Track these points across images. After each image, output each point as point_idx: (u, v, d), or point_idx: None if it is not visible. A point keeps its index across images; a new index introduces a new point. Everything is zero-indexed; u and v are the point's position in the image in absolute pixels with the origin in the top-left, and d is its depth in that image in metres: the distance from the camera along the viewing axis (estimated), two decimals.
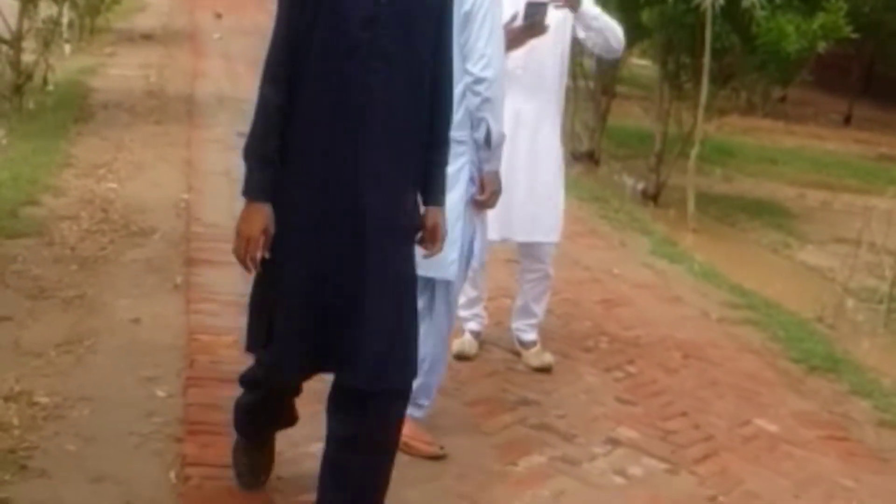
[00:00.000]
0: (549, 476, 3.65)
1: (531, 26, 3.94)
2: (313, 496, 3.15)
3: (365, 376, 2.71)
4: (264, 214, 2.70)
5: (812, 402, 4.77)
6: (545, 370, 4.57)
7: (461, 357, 4.51)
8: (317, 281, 2.70)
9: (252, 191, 2.71)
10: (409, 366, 2.80)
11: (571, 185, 9.47)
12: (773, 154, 12.79)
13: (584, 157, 10.52)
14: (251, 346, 2.89)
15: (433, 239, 2.90)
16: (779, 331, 5.72)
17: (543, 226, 4.48)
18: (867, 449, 4.36)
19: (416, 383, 3.02)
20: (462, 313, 4.45)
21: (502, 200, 3.67)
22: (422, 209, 2.89)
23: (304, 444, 3.55)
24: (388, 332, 2.72)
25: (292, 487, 3.27)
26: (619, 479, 3.71)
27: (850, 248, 7.15)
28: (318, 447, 3.51)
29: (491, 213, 3.75)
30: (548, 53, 4.32)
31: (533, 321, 4.72)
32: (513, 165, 4.19)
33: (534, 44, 4.10)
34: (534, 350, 4.66)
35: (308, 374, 2.92)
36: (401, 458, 3.55)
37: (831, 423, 4.56)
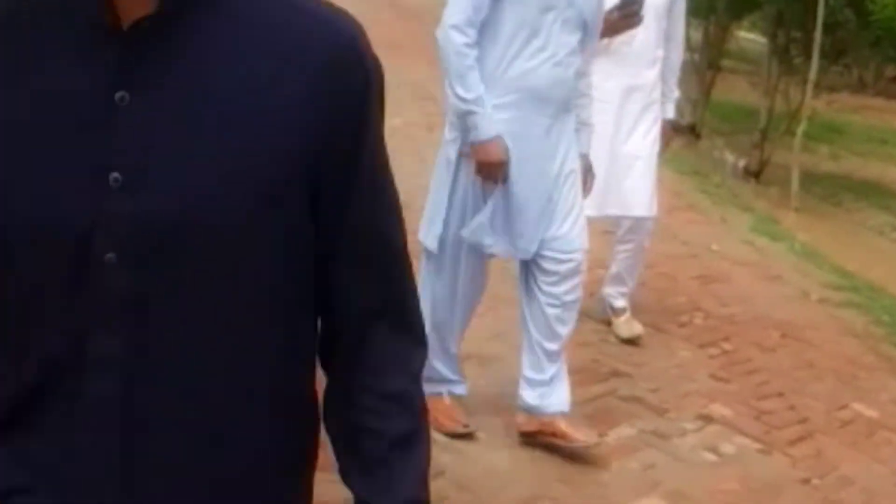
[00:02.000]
0: (638, 449, 3.61)
1: (626, 17, 3.85)
2: None
3: None
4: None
5: None
6: (634, 342, 4.50)
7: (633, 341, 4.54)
8: None
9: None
10: None
11: (671, 159, 9.35)
12: (883, 134, 12.40)
13: (685, 130, 10.33)
14: None
15: None
16: (882, 315, 5.56)
17: (641, 200, 4.37)
18: None
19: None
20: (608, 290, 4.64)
21: (600, 175, 3.64)
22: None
23: None
24: None
25: None
26: (710, 456, 3.66)
27: None
28: None
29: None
30: (649, 29, 4.17)
31: (624, 289, 4.63)
32: (614, 140, 4.15)
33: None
34: (623, 318, 4.57)
35: None
36: (491, 421, 3.57)
37: None
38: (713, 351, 4.65)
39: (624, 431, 3.73)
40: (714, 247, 6.40)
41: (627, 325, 4.56)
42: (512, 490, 3.18)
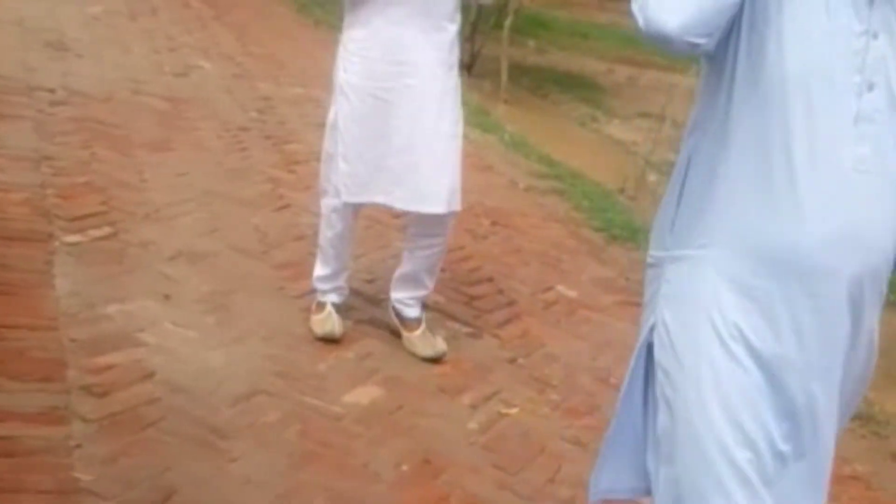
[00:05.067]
0: (354, 339, 3.65)
1: None
2: (109, 358, 3.07)
3: None
4: None
5: (611, 269, 4.95)
6: (437, 360, 3.64)
7: (329, 339, 3.59)
8: None
9: None
10: None
11: None
12: (586, 28, 12.97)
13: None
14: None
15: None
16: (583, 201, 5.88)
17: (440, 191, 3.44)
18: None
19: None
20: (321, 286, 3.69)
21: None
22: None
23: (100, 305, 3.42)
24: None
25: (86, 349, 3.15)
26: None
27: (652, 123, 7.38)
28: (115, 308, 3.43)
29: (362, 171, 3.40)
30: None
31: (421, 293, 3.73)
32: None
33: None
34: (418, 332, 3.67)
35: None
36: (206, 321, 3.50)
37: (627, 289, 4.74)
38: None
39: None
40: None
41: (425, 342, 3.65)
42: (227, 388, 3.14)
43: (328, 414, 3.15)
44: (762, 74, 1.81)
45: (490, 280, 4.45)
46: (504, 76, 8.58)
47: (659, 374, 1.93)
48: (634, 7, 1.80)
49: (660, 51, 1.87)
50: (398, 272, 3.70)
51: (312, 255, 4.23)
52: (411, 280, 3.66)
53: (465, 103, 7.99)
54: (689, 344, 1.88)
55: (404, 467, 2.97)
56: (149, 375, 3.09)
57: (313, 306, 3.68)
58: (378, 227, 4.73)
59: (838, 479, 3.35)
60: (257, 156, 5.40)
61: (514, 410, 3.45)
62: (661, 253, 1.99)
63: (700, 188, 1.92)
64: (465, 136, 6.78)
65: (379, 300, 3.98)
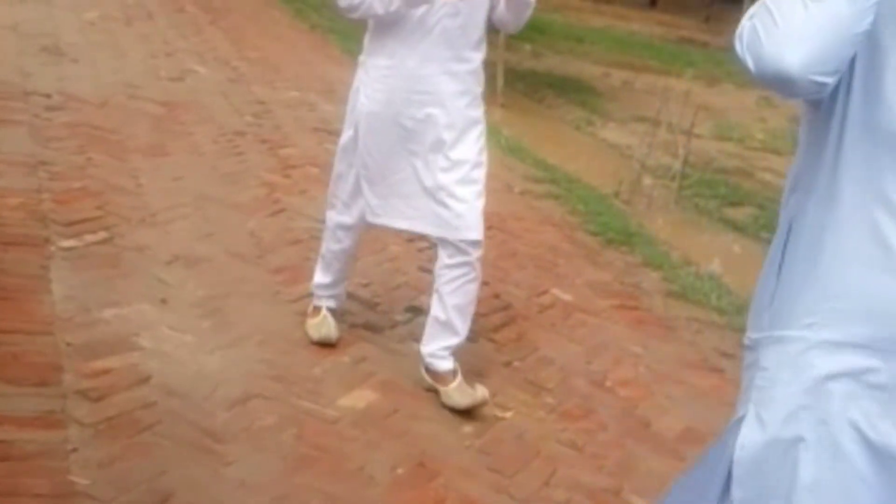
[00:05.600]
0: (350, 343, 3.66)
1: None
2: (105, 362, 3.07)
3: None
4: None
5: (606, 273, 4.97)
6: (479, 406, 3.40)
7: (324, 343, 3.57)
8: None
9: None
10: None
11: None
12: (581, 33, 13.00)
13: None
14: None
15: None
16: (578, 205, 5.89)
17: (466, 217, 3.35)
18: (655, 317, 4.59)
19: None
20: (319, 292, 3.67)
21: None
22: None
23: (96, 309, 3.43)
24: None
25: (82, 353, 3.15)
26: (418, 346, 3.76)
27: (648, 127, 7.39)
28: (111, 312, 3.43)
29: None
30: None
31: (454, 342, 3.43)
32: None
33: None
34: (455, 384, 3.38)
35: None
36: (202, 325, 3.51)
37: (623, 292, 4.76)
38: (422, 244, 4.76)
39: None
40: None
41: (463, 392, 3.37)
42: (223, 391, 3.14)
43: (323, 418, 3.16)
44: (878, 121, 1.59)
45: (485, 284, 4.44)
46: (500, 80, 8.59)
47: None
48: (739, 47, 1.57)
49: (776, 92, 1.61)
50: (428, 323, 3.44)
51: (308, 260, 4.25)
52: (442, 327, 3.39)
53: None
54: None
55: (399, 471, 2.97)
56: (145, 379, 3.09)
57: (309, 310, 3.69)
58: (373, 231, 4.73)
59: None
60: (252, 160, 5.40)
61: (509, 414, 3.45)
62: (759, 335, 1.75)
63: (805, 256, 1.67)
64: None
65: (374, 304, 4.00)
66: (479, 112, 3.39)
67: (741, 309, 4.86)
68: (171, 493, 2.62)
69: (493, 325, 4.09)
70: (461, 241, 3.33)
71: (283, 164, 5.43)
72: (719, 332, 4.57)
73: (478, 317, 4.10)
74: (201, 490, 2.67)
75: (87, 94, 5.80)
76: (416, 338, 3.80)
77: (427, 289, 4.22)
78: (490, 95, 8.56)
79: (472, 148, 3.34)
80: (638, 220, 5.90)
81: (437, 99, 3.27)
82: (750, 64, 1.55)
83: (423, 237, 4.74)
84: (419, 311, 4.02)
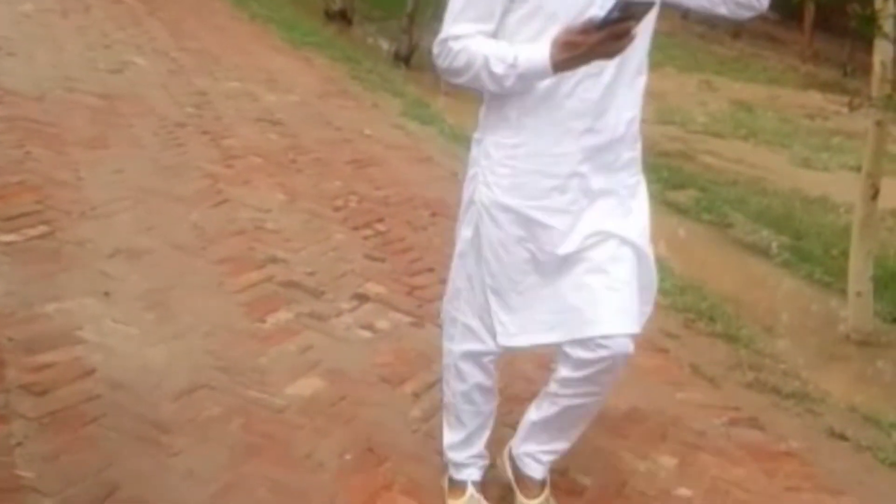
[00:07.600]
0: (296, 332, 3.66)
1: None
2: (48, 356, 3.05)
3: None
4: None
5: None
6: None
7: None
8: None
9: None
10: None
11: (325, 45, 9.36)
12: None
13: (336, 16, 10.35)
14: None
15: None
16: None
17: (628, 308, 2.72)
18: None
19: None
20: (454, 456, 2.87)
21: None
22: None
23: (37, 304, 3.39)
24: None
25: (24, 348, 3.12)
26: (365, 333, 3.77)
27: None
28: (53, 307, 3.40)
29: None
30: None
31: (561, 447, 2.81)
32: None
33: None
34: (540, 499, 2.78)
35: None
36: (146, 317, 3.49)
37: None
38: (367, 232, 4.77)
39: (282, 316, 3.76)
40: (367, 131, 6.52)
41: None
42: (169, 383, 3.13)
43: (270, 406, 3.15)
44: None
45: (431, 270, 4.47)
46: None
47: None
48: None
49: None
50: (535, 417, 2.75)
51: (252, 250, 4.25)
52: (554, 428, 2.74)
53: (402, 95, 8.08)
54: None
55: (347, 457, 2.98)
56: (89, 373, 3.07)
57: (445, 486, 2.87)
58: (317, 220, 4.74)
59: (774, 456, 3.44)
60: (194, 151, 5.37)
61: None
62: None
63: None
64: (404, 128, 6.88)
65: (320, 292, 3.99)
66: (639, 177, 2.62)
67: (685, 290, 4.94)
68: (117, 486, 2.61)
69: (439, 310, 4.10)
70: (623, 334, 2.69)
71: (225, 155, 5.40)
72: (663, 312, 4.62)
73: (424, 302, 4.13)
74: (148, 482, 2.66)
75: (25, 88, 5.72)
76: (363, 324, 3.83)
77: (374, 276, 4.24)
78: (433, 84, 8.60)
79: (639, 224, 2.61)
80: None
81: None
82: None
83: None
84: (365, 299, 4.03)
